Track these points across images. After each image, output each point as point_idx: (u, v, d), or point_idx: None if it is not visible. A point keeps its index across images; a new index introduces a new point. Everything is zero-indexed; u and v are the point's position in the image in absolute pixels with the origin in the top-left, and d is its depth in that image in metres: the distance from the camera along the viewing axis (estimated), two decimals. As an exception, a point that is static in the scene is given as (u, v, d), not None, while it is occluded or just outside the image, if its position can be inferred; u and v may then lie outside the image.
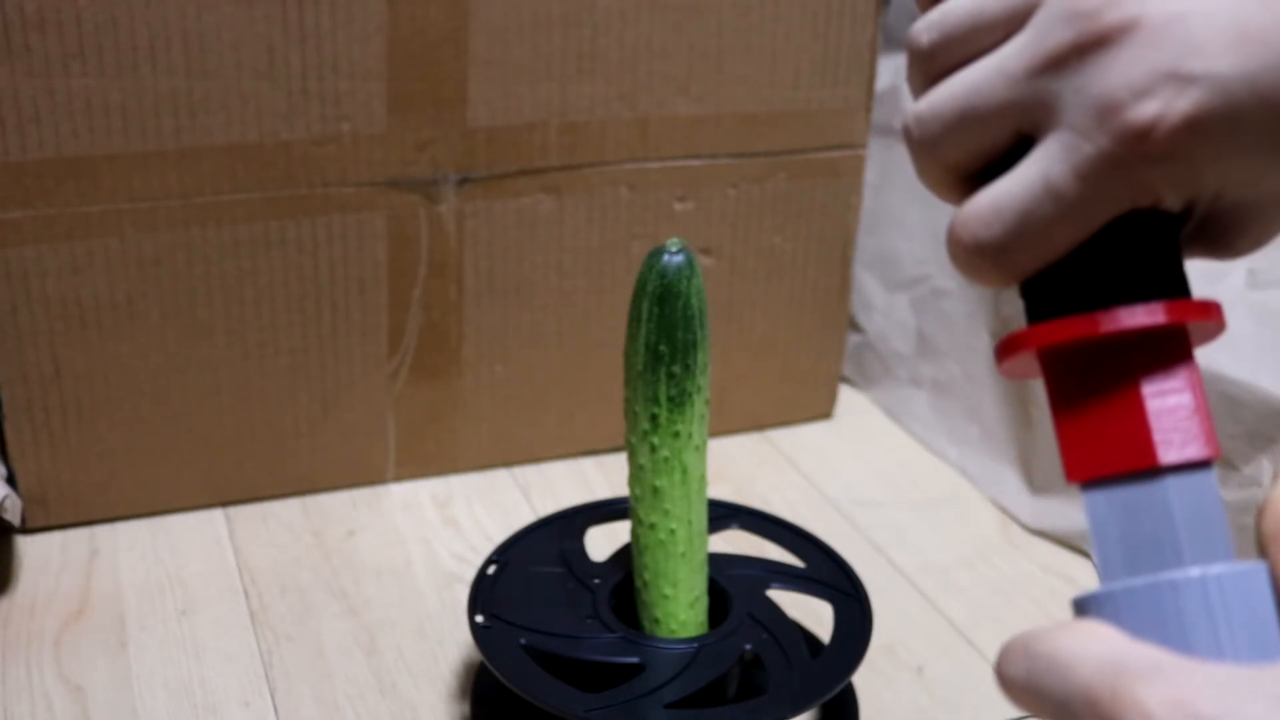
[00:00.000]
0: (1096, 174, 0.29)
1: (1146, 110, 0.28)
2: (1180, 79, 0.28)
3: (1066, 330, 0.30)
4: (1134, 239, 0.30)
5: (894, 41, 0.90)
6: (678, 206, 0.78)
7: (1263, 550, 0.28)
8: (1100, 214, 0.30)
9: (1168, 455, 0.30)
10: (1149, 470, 0.30)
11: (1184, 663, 0.26)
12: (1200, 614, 0.28)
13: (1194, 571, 0.28)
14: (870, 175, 0.88)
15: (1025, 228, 0.30)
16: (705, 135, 0.77)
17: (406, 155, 0.71)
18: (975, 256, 0.31)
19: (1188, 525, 0.30)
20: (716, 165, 0.78)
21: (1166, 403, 0.30)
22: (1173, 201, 0.30)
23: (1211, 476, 0.30)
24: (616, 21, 0.72)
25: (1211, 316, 0.30)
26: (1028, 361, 0.32)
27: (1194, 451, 0.30)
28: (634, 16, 0.72)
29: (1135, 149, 0.28)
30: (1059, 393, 0.31)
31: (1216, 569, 0.28)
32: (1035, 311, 0.32)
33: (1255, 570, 0.28)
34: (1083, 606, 0.30)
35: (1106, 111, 0.28)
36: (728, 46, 0.75)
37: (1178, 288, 0.31)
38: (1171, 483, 0.30)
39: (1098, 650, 0.27)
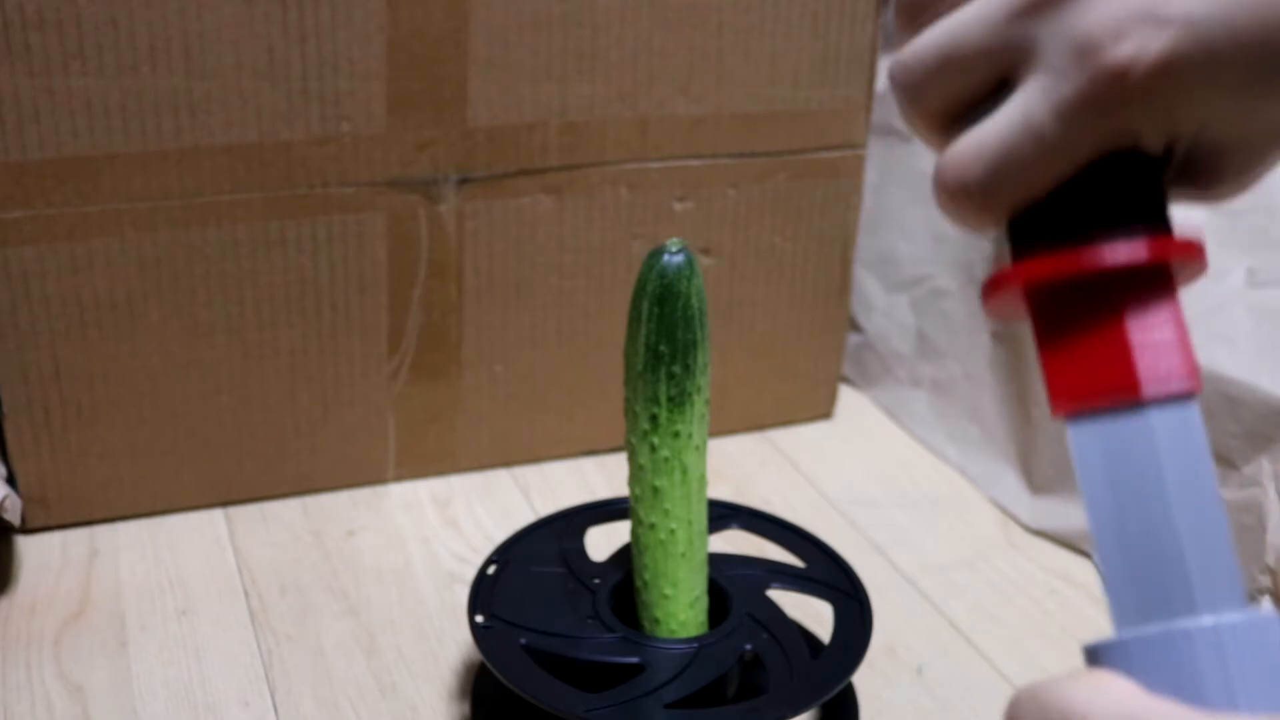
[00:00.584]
0: (1075, 113, 0.29)
1: (1123, 51, 0.28)
2: (1157, 20, 0.28)
3: (1050, 266, 0.31)
4: (1115, 178, 0.31)
5: (894, 41, 0.90)
6: (678, 206, 0.78)
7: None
8: (1080, 153, 0.30)
9: (1151, 388, 0.30)
10: (1133, 403, 0.30)
11: (1198, 716, 0.26)
12: (1214, 664, 0.28)
13: (1207, 620, 0.28)
14: (870, 175, 0.88)
15: (1006, 167, 0.31)
16: (705, 135, 0.77)
17: (406, 155, 0.71)
18: (959, 196, 0.31)
19: (1172, 460, 0.30)
20: (716, 165, 0.78)
21: (1150, 337, 0.30)
22: (1152, 141, 0.30)
23: (1195, 410, 0.30)
24: (616, 21, 0.72)
25: (1194, 254, 0.31)
26: (1013, 300, 0.32)
27: (1177, 385, 0.30)
28: (634, 16, 0.72)
29: (1112, 89, 0.29)
30: (1044, 329, 0.32)
31: (1230, 618, 0.28)
32: (1019, 250, 0.32)
33: (1269, 620, 0.28)
34: (1094, 656, 0.30)
35: (1084, 52, 0.29)
36: (728, 46, 0.75)
37: (1160, 225, 0.31)
38: (1155, 416, 0.30)
39: (1112, 704, 0.27)
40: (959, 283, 0.85)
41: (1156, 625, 0.29)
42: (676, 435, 0.54)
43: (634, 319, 0.53)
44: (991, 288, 0.32)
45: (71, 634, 0.64)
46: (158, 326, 0.70)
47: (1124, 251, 0.30)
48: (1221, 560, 0.30)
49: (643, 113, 0.74)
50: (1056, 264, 0.31)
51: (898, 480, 0.83)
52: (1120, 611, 0.30)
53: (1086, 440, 0.31)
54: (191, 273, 0.69)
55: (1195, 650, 0.28)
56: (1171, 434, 0.30)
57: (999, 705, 0.62)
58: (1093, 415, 0.31)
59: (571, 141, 0.74)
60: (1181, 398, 0.30)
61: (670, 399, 0.53)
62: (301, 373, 0.74)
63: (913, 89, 0.33)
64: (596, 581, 0.59)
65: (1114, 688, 0.27)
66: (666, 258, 0.52)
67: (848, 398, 0.92)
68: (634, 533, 0.57)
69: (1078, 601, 0.70)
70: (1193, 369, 0.30)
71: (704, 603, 0.58)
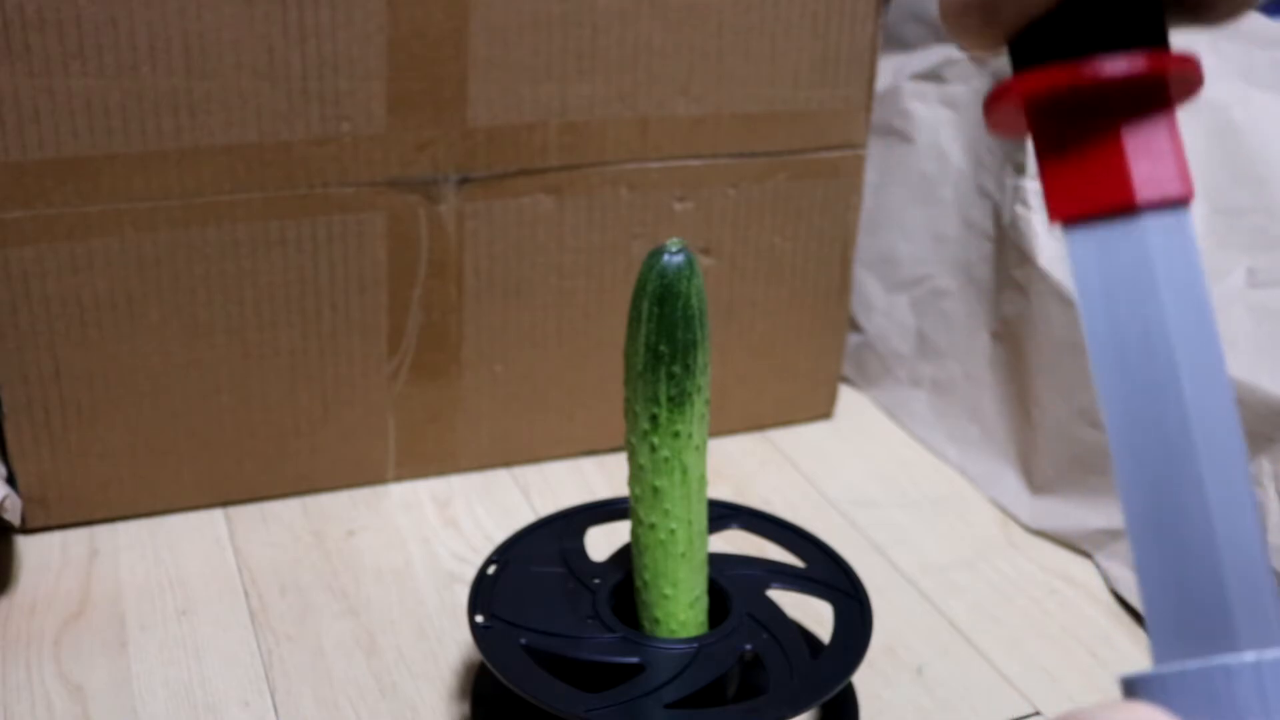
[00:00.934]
0: None
1: None
2: None
3: (1050, 78, 0.32)
4: None
5: (894, 41, 0.90)
6: (678, 206, 0.78)
7: None
8: None
9: (1145, 191, 0.31)
10: (1127, 207, 0.31)
11: None
12: (1253, 700, 0.28)
13: (1249, 657, 0.28)
14: (870, 175, 0.88)
15: None
16: (705, 135, 0.77)
17: (406, 155, 0.71)
18: (962, 15, 0.32)
19: (1166, 267, 0.31)
20: (716, 165, 0.78)
21: (1146, 145, 0.31)
22: None
23: (1188, 220, 0.31)
24: (616, 21, 0.72)
25: (1190, 68, 0.32)
26: (1014, 115, 0.33)
27: (1170, 189, 0.31)
28: (634, 16, 0.72)
29: None
30: (1043, 141, 0.33)
31: (1272, 655, 0.28)
32: (1020, 67, 0.33)
33: None
34: (1131, 688, 0.30)
35: None
36: (728, 46, 0.75)
37: (1158, 41, 0.32)
38: (1149, 220, 0.31)
39: None
40: (959, 283, 0.85)
41: (1196, 660, 0.29)
42: (676, 435, 0.54)
43: (634, 319, 0.53)
44: (993, 101, 0.33)
45: (71, 634, 0.64)
46: (158, 326, 0.70)
47: (1122, 63, 0.31)
48: (1256, 558, 0.30)
49: (643, 113, 0.74)
50: (1056, 76, 0.31)
51: (898, 480, 0.83)
52: (1159, 639, 0.30)
53: (1083, 251, 0.32)
54: (191, 273, 0.69)
55: (1235, 687, 0.28)
56: (1165, 239, 0.31)
57: (999, 705, 0.62)
58: (1089, 224, 0.32)
59: (571, 141, 0.74)
60: (1175, 204, 0.31)
61: (670, 399, 0.53)
62: (301, 373, 0.74)
63: None
64: (596, 581, 0.59)
65: (1151, 719, 0.27)
66: (666, 258, 0.52)
67: (848, 398, 0.92)
68: (634, 533, 0.57)
69: (1078, 601, 0.71)
70: (1186, 175, 0.31)
71: (704, 603, 0.58)
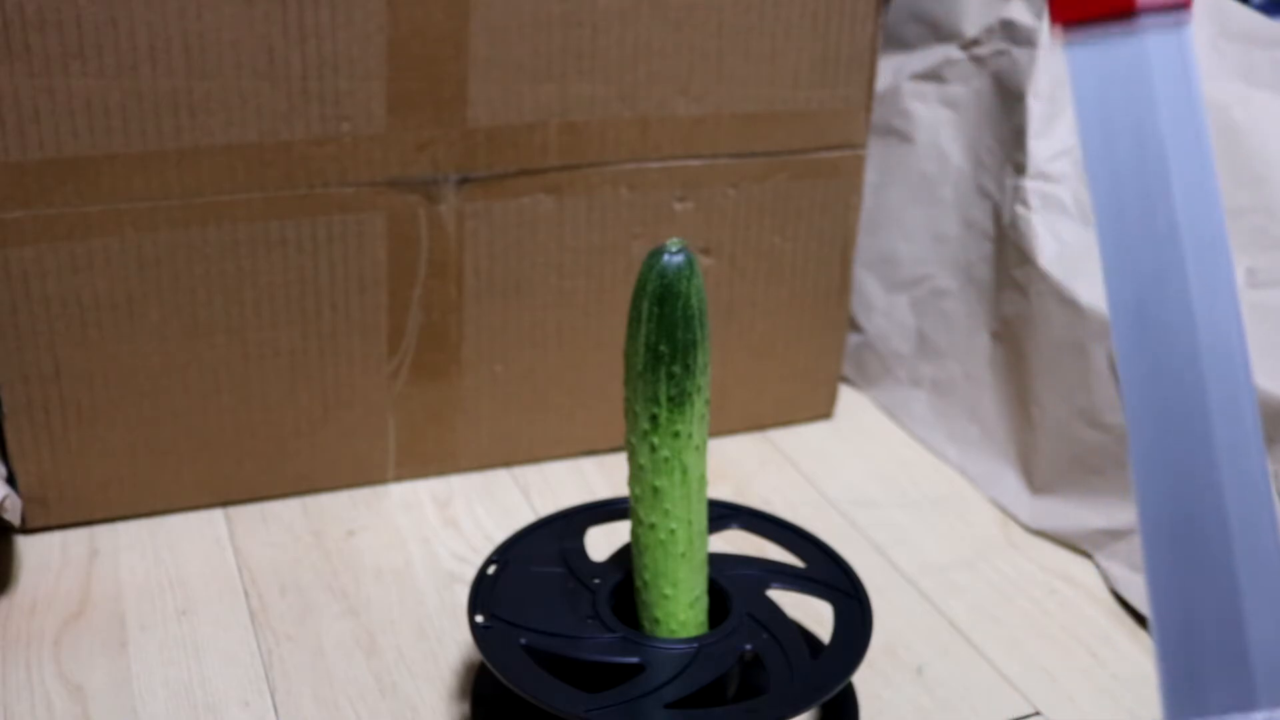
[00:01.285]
0: None
1: None
2: None
3: None
4: None
5: (894, 41, 0.90)
6: (678, 206, 0.78)
7: None
8: None
9: None
10: (1127, 10, 0.31)
11: None
12: None
13: (1259, 718, 0.28)
14: (870, 175, 0.89)
15: None
16: (705, 135, 0.77)
17: (406, 155, 0.71)
18: None
19: (1164, 76, 0.31)
20: (716, 165, 0.78)
21: None
22: None
23: (1187, 28, 0.31)
24: (616, 21, 0.72)
25: None
26: None
27: None
28: (634, 16, 0.72)
29: None
30: None
31: None
32: None
33: None
34: None
35: None
36: (728, 46, 0.75)
37: None
38: (1148, 23, 0.31)
39: None
40: (959, 283, 0.85)
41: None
42: (676, 435, 0.54)
43: (634, 319, 0.53)
44: None
45: (71, 634, 0.64)
46: (158, 326, 0.70)
47: None
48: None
49: (643, 113, 0.74)
50: None
51: (898, 480, 0.83)
52: (1173, 696, 0.30)
53: (1082, 58, 0.32)
54: (191, 273, 0.69)
55: None
56: (1164, 44, 0.31)
57: (999, 705, 0.63)
58: (1089, 30, 0.32)
59: (571, 141, 0.74)
60: (1174, 9, 0.31)
61: (670, 399, 0.53)
62: (301, 373, 0.74)
63: None
64: (596, 581, 0.59)
65: None
66: (666, 258, 0.52)
67: (848, 398, 0.92)
68: (634, 533, 0.57)
69: (1078, 601, 0.71)
70: None
71: (704, 603, 0.58)
